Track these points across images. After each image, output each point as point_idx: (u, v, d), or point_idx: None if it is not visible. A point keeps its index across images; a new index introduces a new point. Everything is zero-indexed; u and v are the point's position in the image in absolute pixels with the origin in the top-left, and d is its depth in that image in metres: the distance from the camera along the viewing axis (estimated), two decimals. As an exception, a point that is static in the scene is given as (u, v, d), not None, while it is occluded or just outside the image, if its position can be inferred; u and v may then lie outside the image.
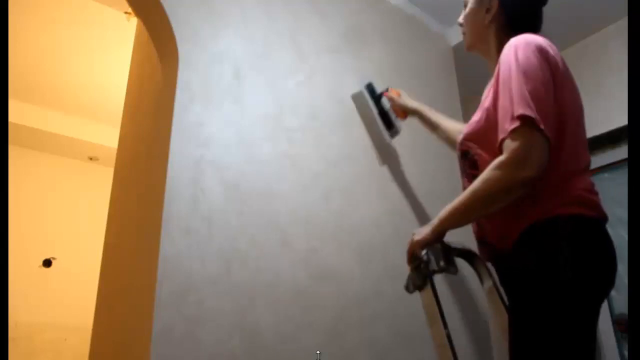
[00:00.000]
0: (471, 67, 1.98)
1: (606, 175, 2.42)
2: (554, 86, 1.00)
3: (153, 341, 1.15)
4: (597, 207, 1.00)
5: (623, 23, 2.43)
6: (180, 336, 1.19)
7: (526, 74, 0.98)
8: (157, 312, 1.18)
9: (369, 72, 2.01)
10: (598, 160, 2.43)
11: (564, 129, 1.00)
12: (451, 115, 2.29)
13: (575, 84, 1.09)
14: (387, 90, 1.86)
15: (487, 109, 1.10)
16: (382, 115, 1.87)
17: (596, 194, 1.02)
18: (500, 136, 0.98)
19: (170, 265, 1.24)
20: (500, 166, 0.97)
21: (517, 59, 1.01)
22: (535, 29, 1.15)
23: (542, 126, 0.93)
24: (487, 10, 1.21)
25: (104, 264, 2.02)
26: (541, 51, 1.02)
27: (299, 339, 1.41)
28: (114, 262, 1.86)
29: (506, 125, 0.97)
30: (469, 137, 1.16)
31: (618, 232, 2.16)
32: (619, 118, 2.33)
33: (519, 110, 0.95)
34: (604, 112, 2.39)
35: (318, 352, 1.42)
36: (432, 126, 1.65)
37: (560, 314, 0.90)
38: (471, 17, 1.26)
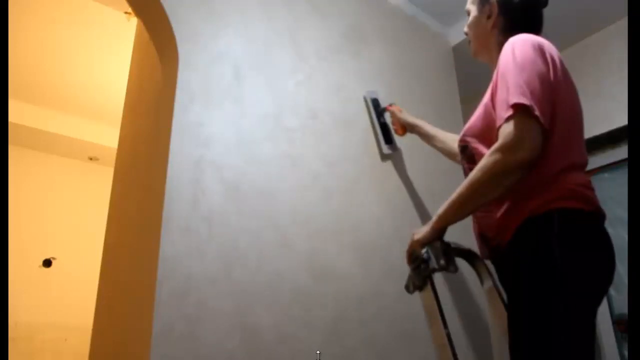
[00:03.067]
0: (471, 67, 1.99)
1: (606, 175, 2.42)
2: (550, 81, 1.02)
3: (153, 341, 1.15)
4: (592, 202, 1.00)
5: (623, 23, 2.43)
6: (180, 336, 1.19)
7: (522, 66, 1.01)
8: (157, 312, 1.18)
9: (368, 72, 2.01)
10: (598, 160, 2.43)
11: (556, 124, 1.01)
12: (451, 115, 2.31)
13: (574, 85, 1.10)
14: (390, 104, 1.89)
15: (486, 104, 1.12)
16: (384, 128, 1.91)
17: (592, 190, 1.03)
18: (497, 124, 1.01)
19: (170, 265, 1.24)
20: (494, 152, 0.99)
21: (514, 55, 1.04)
22: (535, 30, 1.17)
23: (536, 113, 0.95)
24: (488, 17, 1.25)
25: (104, 264, 2.02)
26: (538, 47, 1.05)
27: (299, 339, 1.41)
28: (114, 262, 1.86)
29: (502, 114, 0.99)
30: (468, 132, 1.19)
31: (618, 232, 2.16)
32: (619, 118, 2.33)
33: (514, 99, 0.97)
34: (604, 112, 2.39)
35: (318, 352, 1.42)
36: (429, 137, 1.71)
37: (557, 309, 0.90)
38: (474, 25, 1.30)
